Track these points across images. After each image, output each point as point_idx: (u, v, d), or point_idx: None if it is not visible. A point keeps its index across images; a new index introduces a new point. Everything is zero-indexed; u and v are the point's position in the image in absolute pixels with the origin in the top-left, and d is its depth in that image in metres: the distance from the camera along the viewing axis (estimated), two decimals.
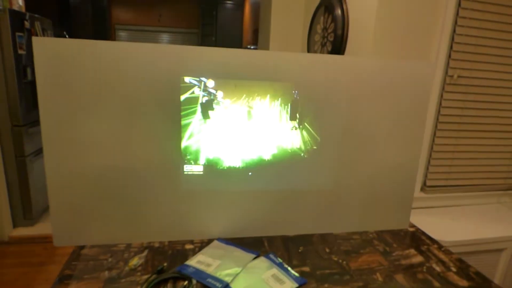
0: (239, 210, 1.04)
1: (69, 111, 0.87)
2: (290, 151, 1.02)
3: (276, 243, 1.05)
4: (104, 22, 6.14)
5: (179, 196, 0.99)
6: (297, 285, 0.85)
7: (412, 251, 1.06)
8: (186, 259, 0.93)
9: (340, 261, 0.98)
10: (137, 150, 0.93)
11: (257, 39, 3.13)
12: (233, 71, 0.93)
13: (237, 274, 0.87)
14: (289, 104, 0.98)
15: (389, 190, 1.13)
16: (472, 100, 1.63)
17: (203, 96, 0.92)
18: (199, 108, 0.93)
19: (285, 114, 0.98)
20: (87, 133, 0.89)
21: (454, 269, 0.97)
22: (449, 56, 1.55)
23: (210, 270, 0.87)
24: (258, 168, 1.02)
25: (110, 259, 0.91)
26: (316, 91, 0.99)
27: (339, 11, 1.76)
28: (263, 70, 0.94)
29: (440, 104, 1.61)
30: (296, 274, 0.89)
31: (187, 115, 0.93)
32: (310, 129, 1.01)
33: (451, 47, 1.54)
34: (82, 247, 0.96)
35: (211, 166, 0.99)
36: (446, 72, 1.57)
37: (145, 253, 0.94)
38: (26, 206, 2.57)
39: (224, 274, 0.86)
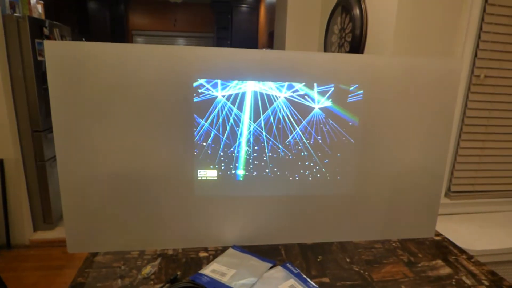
0: (254, 216, 1.00)
1: (81, 115, 0.85)
2: (308, 155, 0.97)
3: (293, 251, 1.01)
4: (121, 28, 6.25)
5: (193, 202, 0.96)
6: None
7: (439, 262, 0.99)
8: (200, 267, 0.90)
9: (362, 271, 0.93)
10: (150, 155, 0.90)
11: (273, 42, 3.10)
12: (247, 71, 0.89)
13: (252, 285, 0.83)
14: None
15: (414, 196, 1.07)
16: (500, 101, 1.55)
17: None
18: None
19: (303, 116, 0.94)
20: (99, 138, 0.87)
21: (486, 283, 0.90)
22: (475, 55, 1.48)
23: (224, 280, 0.84)
24: (275, 173, 0.98)
25: (123, 267, 0.88)
26: (337, 92, 0.94)
27: (357, 11, 1.71)
28: (279, 70, 0.90)
29: (466, 105, 1.54)
30: (316, 286, 0.85)
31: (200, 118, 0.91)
32: (329, 132, 0.97)
33: (477, 45, 1.46)
34: (96, 254, 0.94)
35: (225, 171, 0.95)
36: (472, 72, 1.50)
37: (158, 261, 0.91)
38: (46, 210, 2.61)
39: (239, 284, 0.83)
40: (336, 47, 2.00)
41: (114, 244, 0.95)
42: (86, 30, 5.62)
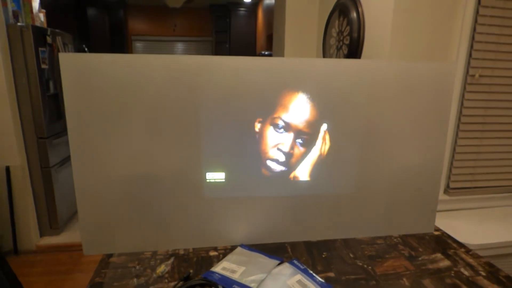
0: (261, 216, 1.05)
1: (95, 123, 0.90)
2: (312, 156, 1.02)
3: (299, 248, 1.05)
4: (121, 34, 6.30)
5: (203, 204, 1.00)
6: None
7: (439, 255, 1.04)
8: (211, 265, 0.94)
9: (365, 266, 0.97)
10: (162, 160, 0.95)
11: (271, 45, 3.15)
12: (251, 80, 0.94)
13: (262, 281, 0.87)
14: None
15: (413, 193, 1.12)
16: (495, 99, 1.60)
17: None
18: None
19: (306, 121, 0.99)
20: (112, 143, 0.92)
21: (483, 273, 0.95)
22: (470, 55, 1.52)
23: (235, 277, 0.88)
24: (280, 174, 1.02)
25: (137, 267, 0.93)
26: (336, 96, 0.99)
27: (354, 14, 1.76)
28: (280, 77, 0.95)
29: (462, 104, 1.59)
30: (322, 280, 0.89)
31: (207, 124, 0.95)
32: (331, 133, 1.01)
33: (472, 46, 1.51)
34: (110, 255, 0.98)
35: (232, 174, 1.00)
36: (467, 72, 1.54)
37: (171, 260, 0.96)
38: (52, 215, 2.65)
39: (250, 280, 0.87)
40: (334, 49, 2.05)
41: (128, 246, 0.99)
42: (85, 36, 5.66)
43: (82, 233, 0.96)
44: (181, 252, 1.01)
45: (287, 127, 0.98)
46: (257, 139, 0.98)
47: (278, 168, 1.01)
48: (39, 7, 2.64)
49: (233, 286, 0.84)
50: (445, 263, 1.00)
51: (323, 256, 1.01)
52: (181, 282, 0.86)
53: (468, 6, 1.46)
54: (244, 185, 1.01)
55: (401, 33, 1.48)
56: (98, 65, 0.87)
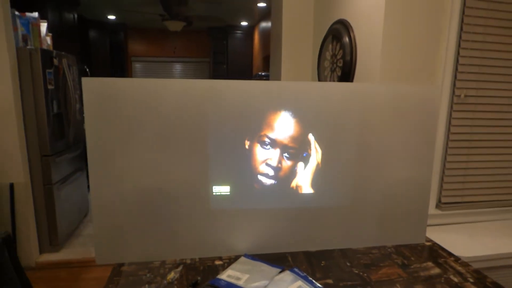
0: (263, 227, 1.12)
1: (112, 140, 0.98)
2: (311, 171, 1.10)
3: (299, 258, 1.11)
4: (121, 55, 6.46)
5: (209, 216, 1.07)
6: None
7: (430, 263, 1.11)
8: (217, 273, 1.00)
9: (361, 273, 1.04)
10: (171, 174, 1.03)
11: (268, 66, 3.28)
12: (254, 103, 1.03)
13: (265, 287, 0.93)
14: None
15: (405, 206, 1.20)
16: (480, 118, 1.70)
17: None
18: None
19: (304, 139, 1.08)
20: (127, 160, 0.99)
21: (471, 280, 1.01)
22: (455, 76, 1.64)
23: (240, 283, 0.94)
24: (281, 187, 1.10)
25: (148, 275, 0.99)
26: (332, 116, 1.08)
27: (346, 39, 1.88)
28: (272, 100, 1.04)
29: (450, 122, 1.69)
30: (321, 286, 0.95)
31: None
32: (327, 151, 1.10)
33: (456, 68, 1.63)
34: (121, 265, 1.04)
35: (236, 187, 1.07)
36: (453, 92, 1.65)
37: (180, 268, 1.02)
38: (52, 232, 2.67)
39: (254, 286, 0.93)
40: (328, 71, 2.17)
41: (138, 255, 1.05)
42: (87, 57, 5.80)
43: (96, 244, 1.02)
44: (188, 261, 1.07)
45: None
46: (252, 155, 1.06)
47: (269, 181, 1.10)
48: (46, 31, 2.75)
49: None
50: (436, 270, 1.07)
51: (322, 264, 1.08)
52: None
53: (451, 31, 1.58)
54: (247, 198, 1.09)
55: (391, 56, 1.60)
56: (117, 88, 0.95)
